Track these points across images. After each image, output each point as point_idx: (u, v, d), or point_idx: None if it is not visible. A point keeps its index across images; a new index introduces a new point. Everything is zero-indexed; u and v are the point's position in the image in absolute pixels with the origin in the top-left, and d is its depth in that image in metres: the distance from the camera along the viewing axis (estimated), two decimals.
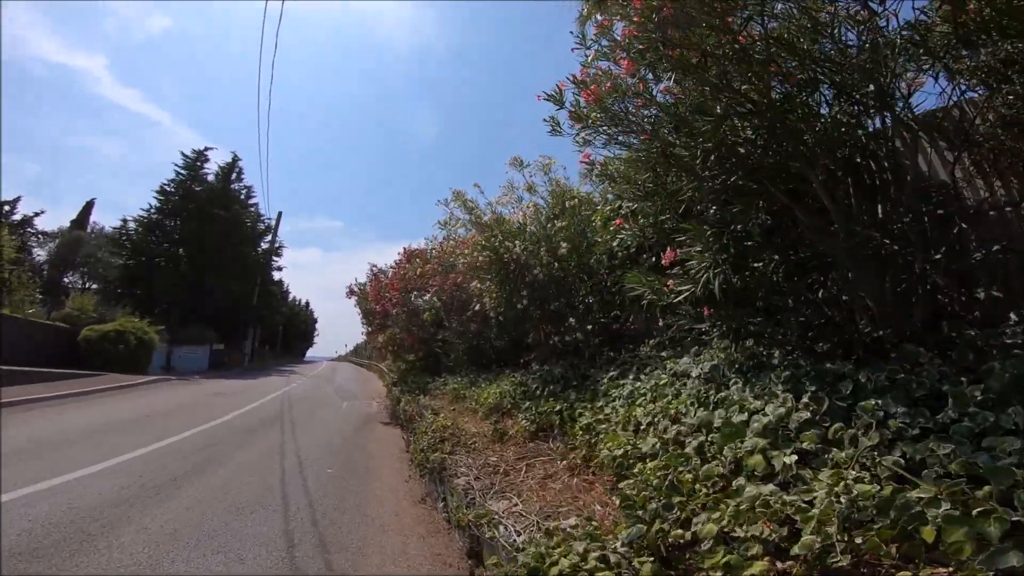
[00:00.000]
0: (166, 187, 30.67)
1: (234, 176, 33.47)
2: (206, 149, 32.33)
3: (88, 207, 43.62)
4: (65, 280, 37.99)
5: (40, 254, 39.06)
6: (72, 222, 41.66)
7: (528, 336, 6.83)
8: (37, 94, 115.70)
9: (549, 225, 6.25)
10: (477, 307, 6.49)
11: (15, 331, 16.00)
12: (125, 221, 30.11)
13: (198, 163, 31.90)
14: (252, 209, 34.43)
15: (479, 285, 6.24)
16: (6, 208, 35.72)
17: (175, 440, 7.05)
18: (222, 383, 17.80)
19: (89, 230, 41.11)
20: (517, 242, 5.99)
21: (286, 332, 58.64)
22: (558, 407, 4.46)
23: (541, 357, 6.51)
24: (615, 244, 4.84)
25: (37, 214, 40.31)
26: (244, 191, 34.09)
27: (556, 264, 6.00)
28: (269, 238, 35.68)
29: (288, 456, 6.51)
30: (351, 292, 13.07)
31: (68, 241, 38.51)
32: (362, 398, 14.57)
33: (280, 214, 37.60)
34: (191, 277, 28.64)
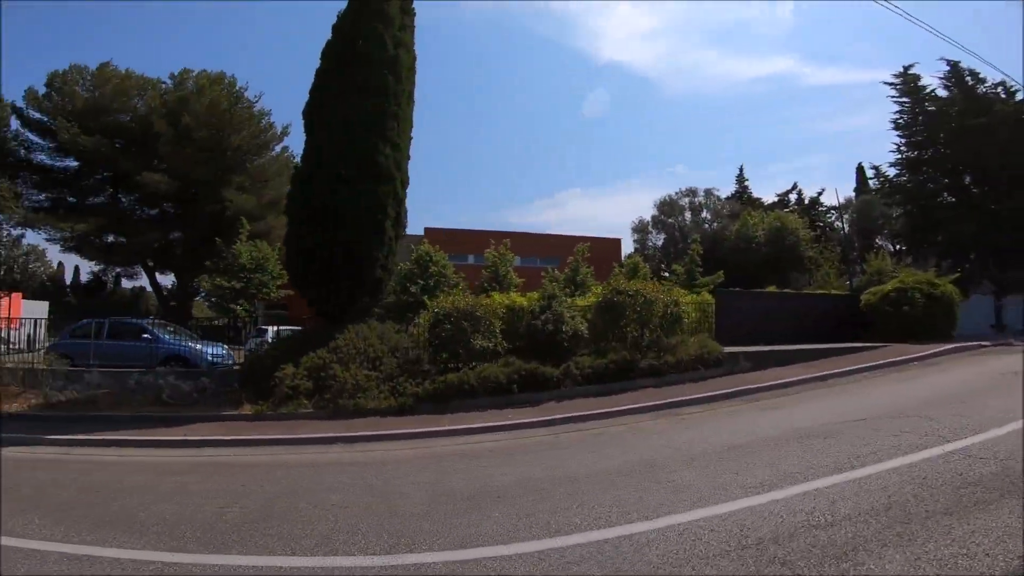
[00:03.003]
0: (897, 120, 24.96)
1: None
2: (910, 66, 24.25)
3: (860, 169, 41.91)
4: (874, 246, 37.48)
5: (842, 227, 40.15)
6: (854, 190, 41.77)
7: None
8: None
9: None
10: None
11: (790, 306, 16.04)
12: (877, 169, 26.85)
13: (910, 82, 24.29)
14: None
15: None
16: (791, 196, 40.25)
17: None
18: None
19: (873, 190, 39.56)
20: None
21: None
22: None
23: None
24: None
25: (820, 193, 43.09)
26: None
27: None
28: None
29: None
30: None
31: (858, 208, 38.55)
32: None
33: None
34: (983, 207, 21.16)
